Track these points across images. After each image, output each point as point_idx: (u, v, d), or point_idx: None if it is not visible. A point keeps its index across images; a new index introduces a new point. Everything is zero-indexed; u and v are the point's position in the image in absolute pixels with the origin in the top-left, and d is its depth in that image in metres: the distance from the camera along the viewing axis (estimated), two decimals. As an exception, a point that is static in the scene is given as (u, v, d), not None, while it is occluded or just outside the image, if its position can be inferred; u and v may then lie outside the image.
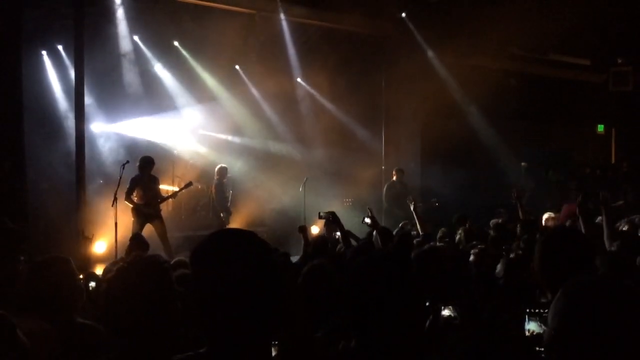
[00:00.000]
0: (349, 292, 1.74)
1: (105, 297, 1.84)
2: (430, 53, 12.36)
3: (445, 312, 2.43)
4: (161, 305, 1.84)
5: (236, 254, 1.41)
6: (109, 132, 12.02)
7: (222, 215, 10.40)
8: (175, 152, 12.48)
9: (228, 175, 10.83)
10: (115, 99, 11.68)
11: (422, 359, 1.73)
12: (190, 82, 12.48)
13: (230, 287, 1.37)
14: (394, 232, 6.35)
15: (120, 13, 11.14)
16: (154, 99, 12.21)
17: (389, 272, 1.72)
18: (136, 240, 5.47)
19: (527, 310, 2.20)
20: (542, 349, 2.01)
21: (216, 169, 10.69)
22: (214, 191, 10.62)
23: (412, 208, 6.53)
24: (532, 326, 2.15)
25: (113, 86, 11.58)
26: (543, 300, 2.43)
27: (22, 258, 3.25)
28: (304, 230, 5.91)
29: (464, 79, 11.34)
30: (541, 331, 2.13)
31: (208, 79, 12.41)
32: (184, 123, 12.72)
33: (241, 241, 1.46)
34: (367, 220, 6.05)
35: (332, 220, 5.82)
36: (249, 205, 11.42)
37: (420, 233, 6.06)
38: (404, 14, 12.05)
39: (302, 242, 5.90)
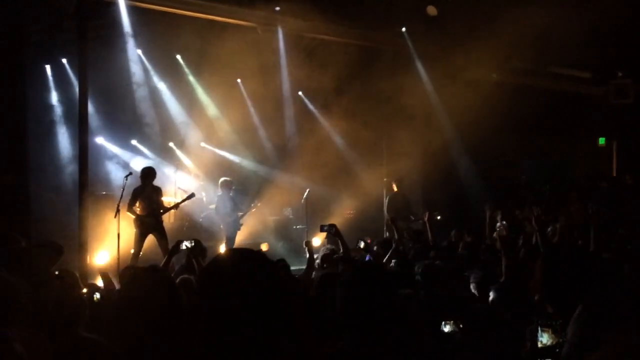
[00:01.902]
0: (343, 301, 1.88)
1: (114, 311, 1.86)
2: (429, 66, 12.44)
3: (447, 328, 2.45)
4: (169, 315, 1.86)
5: (244, 274, 1.44)
6: (112, 144, 12.10)
7: (221, 227, 10.35)
8: (177, 163, 12.54)
9: (233, 188, 10.81)
10: (118, 112, 11.77)
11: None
12: (191, 96, 12.58)
13: (239, 306, 1.40)
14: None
15: (124, 26, 11.24)
16: (155, 111, 12.31)
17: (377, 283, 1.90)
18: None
19: (539, 321, 2.21)
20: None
21: (220, 182, 10.67)
22: (216, 204, 10.60)
23: (425, 218, 6.71)
24: (544, 339, 2.17)
25: (117, 100, 11.67)
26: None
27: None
28: (310, 245, 5.99)
29: (464, 91, 11.39)
30: (549, 343, 2.14)
31: (209, 92, 12.51)
32: (186, 135, 12.82)
33: (248, 262, 1.49)
34: (362, 244, 6.20)
35: (333, 233, 5.87)
36: (250, 219, 11.42)
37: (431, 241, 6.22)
38: (403, 29, 12.15)
39: (307, 255, 5.95)
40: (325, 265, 5.62)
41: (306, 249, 5.91)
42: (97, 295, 3.06)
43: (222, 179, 10.72)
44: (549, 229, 7.03)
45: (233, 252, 1.61)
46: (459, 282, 3.68)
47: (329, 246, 6.54)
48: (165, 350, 1.78)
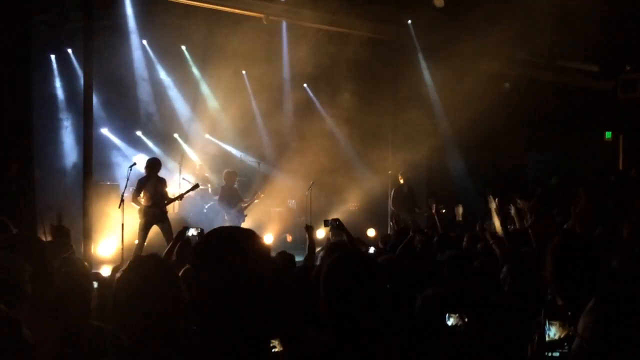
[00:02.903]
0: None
1: (113, 298, 1.85)
2: (435, 58, 12.37)
3: (451, 321, 2.42)
4: (167, 303, 1.85)
5: (234, 250, 1.44)
6: (116, 135, 12.11)
7: (225, 218, 10.37)
8: (181, 155, 12.53)
9: (237, 179, 10.79)
10: (122, 104, 11.78)
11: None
12: (196, 87, 12.57)
13: (229, 284, 1.39)
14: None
15: (129, 17, 11.22)
16: (160, 103, 12.31)
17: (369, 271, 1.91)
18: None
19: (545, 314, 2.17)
20: (554, 354, 2.00)
21: (224, 173, 10.68)
22: (220, 195, 10.61)
23: (433, 210, 6.69)
24: (552, 332, 2.13)
25: (121, 91, 11.67)
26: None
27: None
28: (310, 229, 5.90)
29: (470, 84, 11.32)
30: (557, 336, 2.10)
31: (213, 84, 12.48)
32: (190, 127, 12.82)
33: (239, 239, 1.48)
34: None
35: (337, 227, 5.86)
36: (254, 210, 11.41)
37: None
38: (409, 21, 12.08)
39: (307, 241, 5.90)
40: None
41: (306, 235, 5.84)
42: (95, 284, 3.08)
43: (226, 170, 10.74)
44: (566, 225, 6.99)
45: (225, 229, 1.60)
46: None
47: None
48: (163, 337, 1.78)
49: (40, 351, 1.84)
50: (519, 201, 4.93)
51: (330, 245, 5.54)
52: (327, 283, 1.90)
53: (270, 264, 1.47)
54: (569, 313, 1.98)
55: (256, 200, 10.56)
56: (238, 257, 1.42)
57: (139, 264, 1.92)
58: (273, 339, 1.58)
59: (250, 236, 1.49)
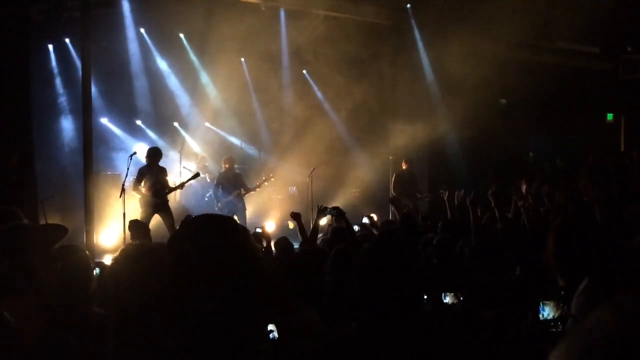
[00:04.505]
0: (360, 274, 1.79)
1: (111, 286, 1.86)
2: (435, 42, 12.30)
3: (448, 299, 2.44)
4: (151, 290, 1.85)
5: (210, 239, 1.43)
6: (115, 125, 12.11)
7: (218, 205, 10.32)
8: (182, 143, 12.53)
9: (236, 166, 10.77)
10: (121, 93, 11.76)
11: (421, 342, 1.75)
12: (194, 76, 12.53)
13: (206, 273, 1.38)
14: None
15: (127, 5, 11.17)
16: (159, 92, 12.28)
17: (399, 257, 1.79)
18: (134, 226, 5.32)
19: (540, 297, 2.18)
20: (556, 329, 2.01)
21: (223, 159, 10.65)
22: (217, 180, 10.57)
23: (445, 197, 6.63)
24: (546, 311, 2.14)
25: (120, 80, 11.64)
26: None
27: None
28: (298, 217, 5.85)
29: (470, 67, 11.27)
30: (550, 316, 2.11)
31: (212, 72, 12.44)
32: (190, 115, 12.80)
33: (215, 227, 1.47)
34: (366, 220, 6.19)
35: (336, 215, 5.86)
36: (255, 197, 11.42)
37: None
38: (408, 5, 12.00)
39: (314, 223, 5.89)
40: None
41: (295, 223, 5.77)
42: (97, 271, 3.10)
43: (226, 156, 10.71)
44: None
45: (198, 218, 1.59)
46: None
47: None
48: (155, 326, 1.79)
49: (24, 336, 1.84)
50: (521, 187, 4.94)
51: (334, 230, 5.57)
52: (364, 270, 1.83)
53: (245, 251, 1.46)
54: (562, 293, 1.99)
55: (266, 183, 10.45)
56: (212, 244, 1.42)
57: (131, 254, 1.93)
58: (264, 323, 1.58)
59: (222, 224, 1.49)
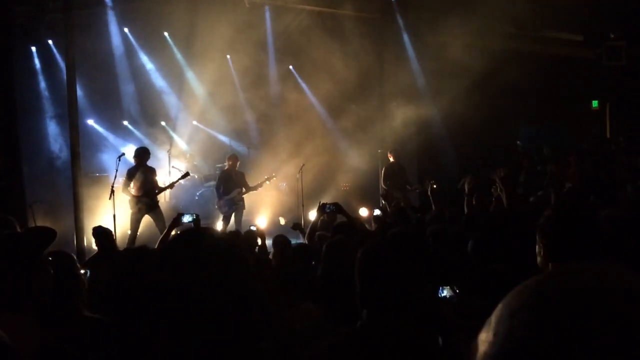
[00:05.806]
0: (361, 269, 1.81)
1: (107, 289, 1.86)
2: (420, 34, 12.32)
3: (444, 293, 2.46)
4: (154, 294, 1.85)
5: (199, 256, 1.46)
6: (102, 126, 12.02)
7: (216, 206, 10.24)
8: (170, 143, 12.47)
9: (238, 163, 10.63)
10: (107, 93, 11.67)
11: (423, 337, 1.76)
12: (180, 74, 12.45)
13: (198, 287, 1.41)
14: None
15: (110, 5, 11.07)
16: (145, 91, 12.20)
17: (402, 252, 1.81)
18: (97, 234, 5.11)
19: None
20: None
21: (227, 156, 10.47)
22: (217, 178, 10.44)
23: (429, 191, 6.65)
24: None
25: (105, 80, 11.55)
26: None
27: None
28: (300, 227, 5.93)
29: (455, 58, 11.30)
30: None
31: (198, 70, 12.37)
32: (177, 114, 12.74)
33: (203, 242, 1.50)
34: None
35: (336, 212, 5.87)
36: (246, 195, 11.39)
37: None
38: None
39: (318, 220, 5.90)
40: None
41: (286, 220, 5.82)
42: (88, 274, 3.08)
43: (230, 154, 10.56)
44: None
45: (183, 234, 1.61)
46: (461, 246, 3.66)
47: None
48: (150, 330, 1.79)
49: (22, 354, 1.82)
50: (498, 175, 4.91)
51: (338, 225, 5.58)
52: (365, 269, 1.82)
53: (232, 257, 1.48)
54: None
55: (267, 182, 10.35)
56: (202, 262, 1.44)
57: (126, 257, 1.93)
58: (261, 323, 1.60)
59: (206, 236, 1.51)
